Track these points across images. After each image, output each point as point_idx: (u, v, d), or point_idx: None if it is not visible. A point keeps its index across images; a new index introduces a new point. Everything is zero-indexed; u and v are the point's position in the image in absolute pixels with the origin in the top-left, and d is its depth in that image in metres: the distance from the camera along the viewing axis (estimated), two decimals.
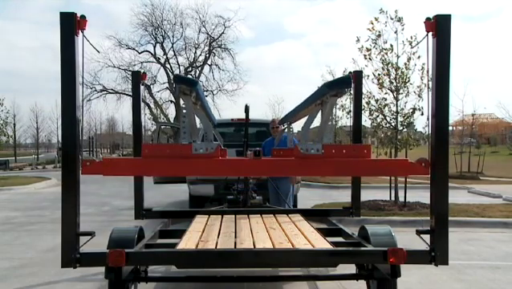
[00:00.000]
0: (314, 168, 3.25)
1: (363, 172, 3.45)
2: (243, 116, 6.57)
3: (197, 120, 3.96)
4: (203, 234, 3.98)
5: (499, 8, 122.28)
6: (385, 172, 3.42)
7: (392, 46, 10.19)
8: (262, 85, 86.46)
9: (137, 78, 5.18)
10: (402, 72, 10.13)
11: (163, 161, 3.22)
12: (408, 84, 10.17)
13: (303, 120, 4.51)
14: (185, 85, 3.31)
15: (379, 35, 10.25)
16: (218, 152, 3.20)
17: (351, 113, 5.19)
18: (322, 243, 3.52)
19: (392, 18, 10.18)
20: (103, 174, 3.18)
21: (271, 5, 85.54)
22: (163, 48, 32.36)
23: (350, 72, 5.31)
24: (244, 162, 3.41)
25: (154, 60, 32.52)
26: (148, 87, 29.53)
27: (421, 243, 3.20)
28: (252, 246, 3.49)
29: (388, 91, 10.31)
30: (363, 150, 3.28)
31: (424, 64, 9.85)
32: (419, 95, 10.09)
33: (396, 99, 10.28)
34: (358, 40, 10.49)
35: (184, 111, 3.47)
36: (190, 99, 3.40)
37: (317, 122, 4.00)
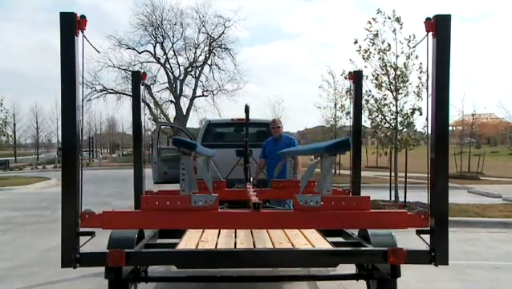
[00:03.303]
0: (314, 220, 3.25)
1: (363, 224, 3.48)
2: (243, 115, 6.57)
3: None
4: (203, 234, 3.99)
5: (493, 8, 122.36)
6: (384, 224, 3.44)
7: (389, 45, 10.18)
8: (261, 85, 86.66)
9: (137, 78, 5.18)
10: (401, 72, 10.13)
11: (162, 214, 3.23)
12: (407, 84, 10.18)
13: None
14: (186, 148, 3.36)
15: (376, 34, 10.24)
16: (217, 205, 3.21)
17: (351, 114, 5.19)
18: (322, 243, 3.52)
19: (389, 18, 10.18)
20: (102, 228, 3.17)
21: (266, 5, 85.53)
22: (163, 48, 32.42)
23: (348, 74, 5.31)
24: (243, 215, 3.41)
25: (154, 60, 32.58)
26: (148, 87, 29.54)
27: (421, 243, 3.20)
28: (252, 246, 3.49)
29: (388, 92, 10.32)
30: (363, 202, 3.30)
31: (421, 64, 9.87)
32: (418, 95, 10.10)
33: (396, 99, 10.28)
34: (356, 42, 10.49)
35: (184, 166, 3.52)
36: (190, 158, 3.46)
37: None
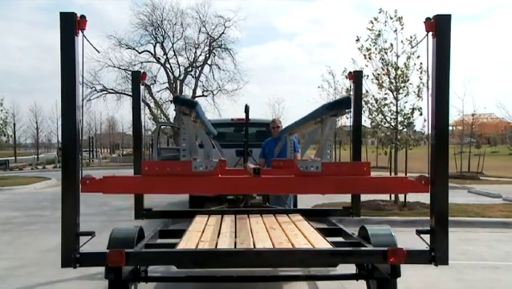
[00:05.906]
0: (314, 186, 3.27)
1: (363, 190, 3.49)
2: (243, 115, 6.59)
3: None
4: (203, 234, 3.98)
5: (491, 8, 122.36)
6: (385, 189, 3.45)
7: (392, 44, 10.19)
8: (260, 85, 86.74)
9: (137, 78, 5.18)
10: (402, 72, 10.13)
11: (163, 179, 3.25)
12: (407, 84, 10.18)
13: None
14: (186, 106, 3.35)
15: (378, 35, 10.25)
16: (218, 170, 3.21)
17: (351, 113, 5.19)
18: (322, 243, 3.51)
19: (391, 18, 10.19)
20: (103, 192, 3.18)
21: (262, 5, 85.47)
22: (163, 48, 32.33)
23: (348, 74, 5.31)
24: (244, 180, 3.43)
25: (154, 60, 32.49)
26: (148, 87, 29.49)
27: (421, 243, 3.19)
28: (252, 246, 3.49)
29: (388, 91, 10.33)
30: (363, 168, 3.30)
31: (422, 64, 9.87)
32: (418, 95, 10.10)
33: (396, 98, 10.28)
34: (358, 40, 10.50)
35: (184, 129, 3.50)
36: (190, 119, 3.44)
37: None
